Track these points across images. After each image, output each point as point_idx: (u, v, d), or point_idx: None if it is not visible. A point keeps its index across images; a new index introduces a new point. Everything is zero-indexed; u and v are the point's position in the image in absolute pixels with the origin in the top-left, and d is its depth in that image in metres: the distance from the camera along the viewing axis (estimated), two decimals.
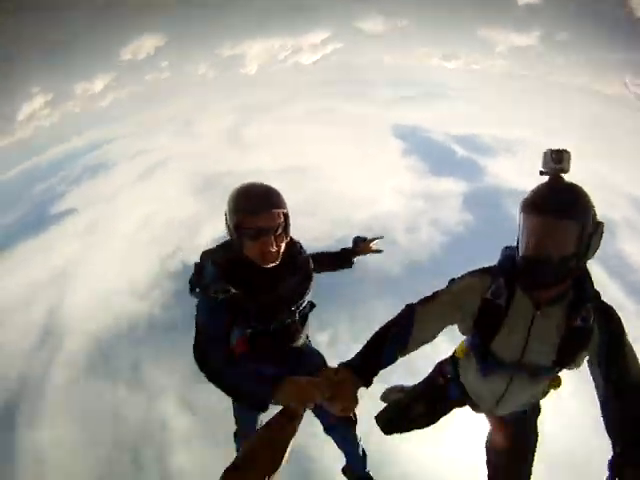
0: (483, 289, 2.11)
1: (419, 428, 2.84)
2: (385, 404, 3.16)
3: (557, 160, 1.90)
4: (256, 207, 2.09)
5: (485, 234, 20.38)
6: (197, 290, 2.25)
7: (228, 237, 2.28)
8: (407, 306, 2.18)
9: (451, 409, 2.77)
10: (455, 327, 2.32)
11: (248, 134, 37.07)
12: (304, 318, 2.65)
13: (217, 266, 2.21)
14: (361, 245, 3.08)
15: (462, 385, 2.57)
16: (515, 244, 2.04)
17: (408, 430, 2.87)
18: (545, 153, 1.95)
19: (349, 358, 2.03)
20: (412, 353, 2.16)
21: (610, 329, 1.98)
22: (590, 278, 2.04)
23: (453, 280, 2.22)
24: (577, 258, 1.87)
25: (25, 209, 31.38)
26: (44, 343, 17.46)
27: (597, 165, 24.45)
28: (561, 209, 1.83)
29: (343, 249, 3.07)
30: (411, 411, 2.82)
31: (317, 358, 2.92)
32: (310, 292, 2.56)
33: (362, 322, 15.32)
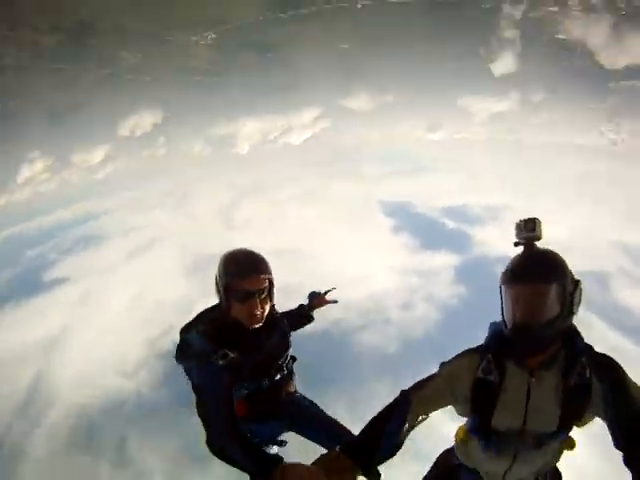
0: (473, 368, 2.11)
1: None
2: None
3: (530, 229, 2.00)
4: (244, 271, 2.29)
5: (478, 305, 20.36)
6: (190, 361, 2.32)
7: (217, 300, 2.43)
8: (401, 394, 2.17)
9: None
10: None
11: (240, 214, 37.79)
12: (290, 372, 2.80)
13: (204, 334, 2.33)
14: (317, 299, 3.31)
15: (473, 469, 2.47)
16: (501, 318, 2.08)
17: None
18: (517, 224, 2.05)
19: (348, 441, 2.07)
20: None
21: (610, 377, 1.94)
22: (578, 333, 2.05)
23: (443, 364, 2.23)
24: (562, 317, 1.91)
25: (17, 272, 31.22)
26: (27, 411, 16.84)
27: (583, 218, 25.21)
28: (540, 274, 1.90)
29: (300, 305, 3.29)
30: None
31: (309, 404, 3.06)
32: (288, 349, 2.74)
33: (361, 404, 14.91)
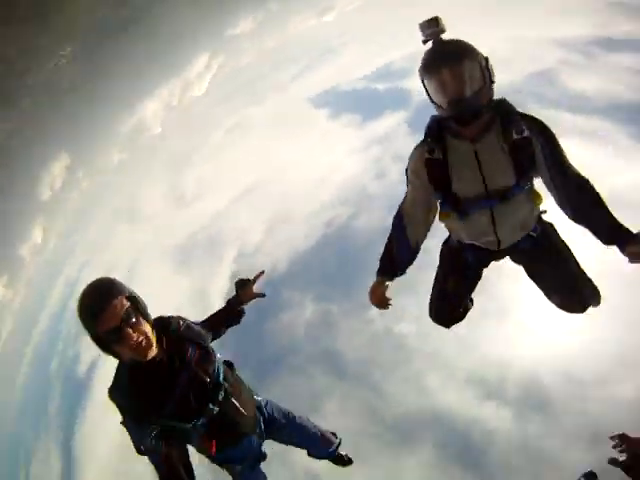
0: (423, 156, 2.42)
1: (462, 300, 3.17)
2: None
3: (433, 25, 2.26)
4: (93, 313, 1.91)
5: None
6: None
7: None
8: (395, 213, 2.70)
9: (478, 271, 3.05)
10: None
11: (188, 187, 36.37)
12: (228, 390, 2.44)
13: (126, 409, 2.10)
14: (244, 291, 2.85)
15: (470, 244, 2.75)
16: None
17: (459, 307, 3.19)
18: (420, 25, 2.30)
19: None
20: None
21: (543, 134, 2.28)
22: (510, 104, 2.34)
23: (406, 170, 2.58)
24: (486, 87, 2.22)
25: None
26: None
27: (508, 27, 25.01)
28: (454, 55, 2.17)
29: (228, 301, 2.85)
30: (446, 290, 3.04)
31: (272, 408, 2.88)
32: (215, 360, 2.39)
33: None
